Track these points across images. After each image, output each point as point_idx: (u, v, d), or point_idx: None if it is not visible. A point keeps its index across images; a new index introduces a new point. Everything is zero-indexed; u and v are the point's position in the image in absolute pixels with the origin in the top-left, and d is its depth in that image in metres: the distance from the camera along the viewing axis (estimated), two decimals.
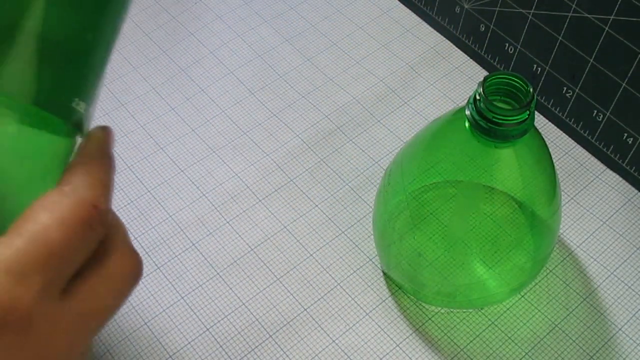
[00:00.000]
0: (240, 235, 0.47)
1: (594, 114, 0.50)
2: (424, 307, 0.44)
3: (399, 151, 0.43)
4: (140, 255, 0.30)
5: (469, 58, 0.57)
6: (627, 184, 0.50)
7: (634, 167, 0.49)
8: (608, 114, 0.49)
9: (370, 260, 0.46)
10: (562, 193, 0.49)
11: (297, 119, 0.53)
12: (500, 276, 0.43)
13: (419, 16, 0.60)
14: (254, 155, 0.52)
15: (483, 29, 0.55)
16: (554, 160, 0.41)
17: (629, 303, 0.44)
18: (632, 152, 0.49)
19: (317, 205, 0.49)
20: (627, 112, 0.48)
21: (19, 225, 0.26)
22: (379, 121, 0.53)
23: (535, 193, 0.42)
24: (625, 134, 0.49)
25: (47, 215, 0.26)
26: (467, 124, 0.36)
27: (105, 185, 0.29)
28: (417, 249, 0.43)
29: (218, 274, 0.46)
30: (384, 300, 0.44)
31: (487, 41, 0.55)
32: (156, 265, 0.46)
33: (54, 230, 0.26)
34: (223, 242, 0.47)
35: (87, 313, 0.27)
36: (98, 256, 0.28)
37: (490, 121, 0.35)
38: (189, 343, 0.43)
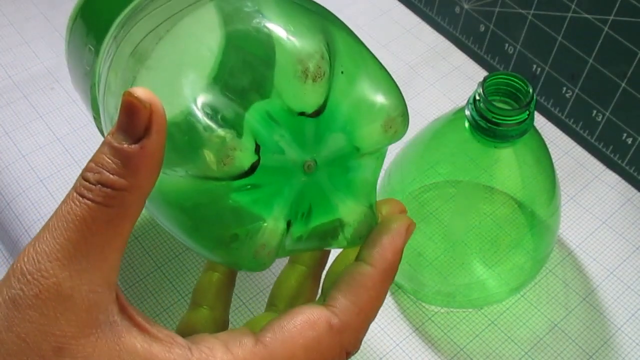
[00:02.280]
0: None
1: (594, 114, 0.50)
2: (423, 306, 0.44)
3: (399, 151, 0.44)
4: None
5: (468, 58, 0.58)
6: (626, 183, 0.50)
7: (633, 167, 0.49)
8: (607, 114, 0.49)
9: None
10: (562, 193, 0.49)
11: None
12: (500, 276, 0.43)
13: (419, 16, 0.60)
14: None
15: (483, 29, 0.55)
16: (554, 160, 0.41)
17: (629, 303, 0.44)
18: (631, 152, 0.49)
19: None
20: (627, 112, 0.48)
21: (273, 330, 0.26)
22: None
23: (535, 193, 0.42)
24: (625, 134, 0.49)
25: (303, 346, 0.26)
26: (467, 124, 0.36)
27: (368, 324, 0.28)
28: (417, 249, 0.43)
29: None
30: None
31: (487, 41, 0.56)
32: (157, 264, 0.46)
33: None
34: None
35: None
36: None
37: (490, 121, 0.35)
38: None
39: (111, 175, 0.23)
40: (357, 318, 0.27)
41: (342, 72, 0.27)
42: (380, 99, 0.28)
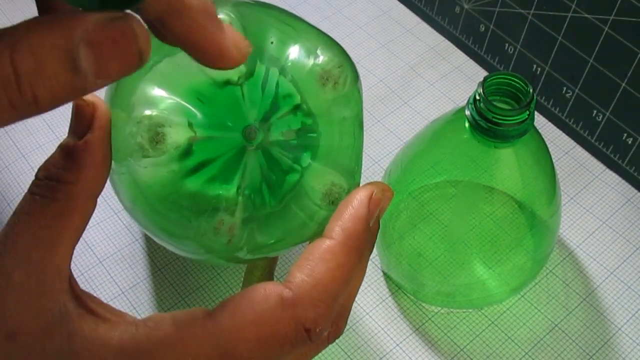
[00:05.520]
0: None
1: (594, 114, 0.50)
2: (423, 307, 0.44)
3: (399, 151, 0.44)
4: None
5: (468, 58, 0.58)
6: (626, 184, 0.50)
7: (633, 167, 0.49)
8: (608, 114, 0.49)
9: (370, 260, 0.46)
10: (562, 193, 0.49)
11: None
12: (500, 276, 0.43)
13: (419, 16, 0.60)
14: None
15: (483, 29, 0.55)
16: (554, 160, 0.41)
17: (629, 303, 0.44)
18: (631, 152, 0.49)
19: None
20: (627, 112, 0.48)
21: (224, 305, 0.26)
22: (379, 121, 0.53)
23: (535, 193, 0.42)
24: (625, 134, 0.49)
25: (252, 320, 0.25)
26: (467, 124, 0.36)
27: (330, 298, 0.27)
28: (417, 249, 0.43)
29: (219, 274, 0.46)
30: (383, 300, 0.45)
31: (487, 41, 0.56)
32: (158, 266, 0.46)
33: (250, 345, 0.25)
34: None
35: None
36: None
37: (490, 121, 0.35)
38: None
39: (56, 170, 0.25)
40: (312, 290, 0.26)
41: (271, 43, 0.29)
42: (312, 57, 0.30)
